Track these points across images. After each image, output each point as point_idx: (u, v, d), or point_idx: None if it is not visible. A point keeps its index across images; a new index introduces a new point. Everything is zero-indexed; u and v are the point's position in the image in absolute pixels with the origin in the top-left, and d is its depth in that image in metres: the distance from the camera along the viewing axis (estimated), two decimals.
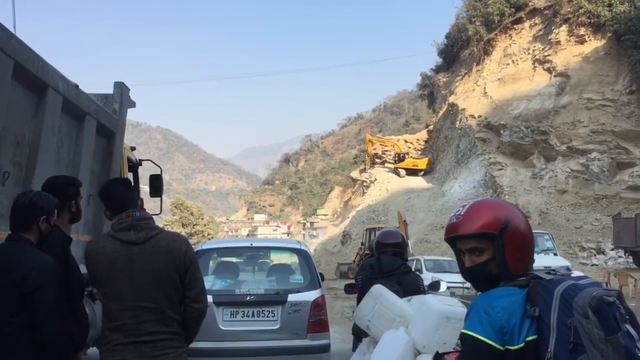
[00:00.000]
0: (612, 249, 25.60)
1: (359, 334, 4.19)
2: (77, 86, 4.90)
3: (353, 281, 5.23)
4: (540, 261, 16.16)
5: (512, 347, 1.58)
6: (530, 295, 1.62)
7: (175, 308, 2.78)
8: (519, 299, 1.63)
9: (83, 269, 4.85)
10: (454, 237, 1.77)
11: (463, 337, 1.63)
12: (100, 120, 5.52)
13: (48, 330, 2.62)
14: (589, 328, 1.47)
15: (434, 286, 4.89)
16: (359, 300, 4.06)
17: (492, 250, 1.70)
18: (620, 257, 24.90)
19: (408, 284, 4.20)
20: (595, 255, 26.27)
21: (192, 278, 2.82)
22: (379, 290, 3.53)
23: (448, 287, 7.90)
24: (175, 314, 2.78)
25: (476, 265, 1.73)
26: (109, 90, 6.28)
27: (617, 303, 1.51)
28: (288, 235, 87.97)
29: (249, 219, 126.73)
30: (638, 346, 1.47)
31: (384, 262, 4.40)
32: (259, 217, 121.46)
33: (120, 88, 6.27)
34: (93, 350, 6.04)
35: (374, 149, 53.26)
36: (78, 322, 2.95)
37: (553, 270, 1.72)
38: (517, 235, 1.71)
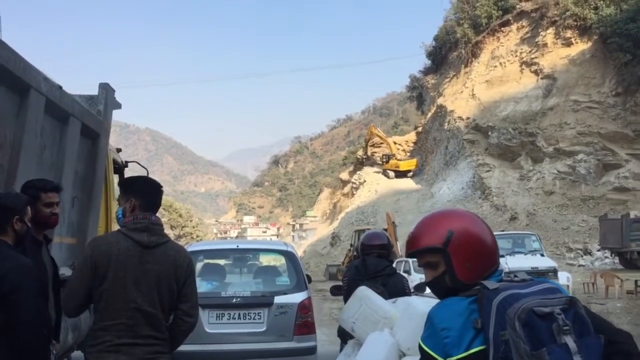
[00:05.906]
0: (598, 250, 25.83)
1: (344, 336, 4.17)
2: (60, 87, 4.84)
3: (340, 283, 5.22)
4: (527, 262, 16.15)
5: (451, 358, 1.54)
6: (478, 306, 1.58)
7: (167, 317, 2.83)
8: (462, 307, 1.59)
9: (65, 271, 4.78)
10: (410, 254, 1.78)
11: (419, 346, 1.63)
12: (84, 121, 5.46)
13: (26, 331, 2.60)
14: (517, 342, 1.42)
15: (420, 288, 4.89)
16: (345, 302, 4.05)
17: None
18: (606, 257, 25.13)
19: (393, 286, 4.19)
20: (582, 256, 26.50)
21: (188, 291, 2.86)
22: (363, 292, 3.52)
23: None
24: (166, 322, 2.83)
25: (434, 279, 1.72)
26: (94, 91, 6.23)
27: (557, 313, 1.44)
28: (277, 237, 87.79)
29: (238, 220, 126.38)
30: None
31: (369, 263, 4.38)
32: (248, 219, 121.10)
33: (105, 89, 6.21)
34: (78, 354, 6.01)
35: (371, 144, 53.55)
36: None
37: (514, 274, 1.66)
38: (464, 246, 1.66)
